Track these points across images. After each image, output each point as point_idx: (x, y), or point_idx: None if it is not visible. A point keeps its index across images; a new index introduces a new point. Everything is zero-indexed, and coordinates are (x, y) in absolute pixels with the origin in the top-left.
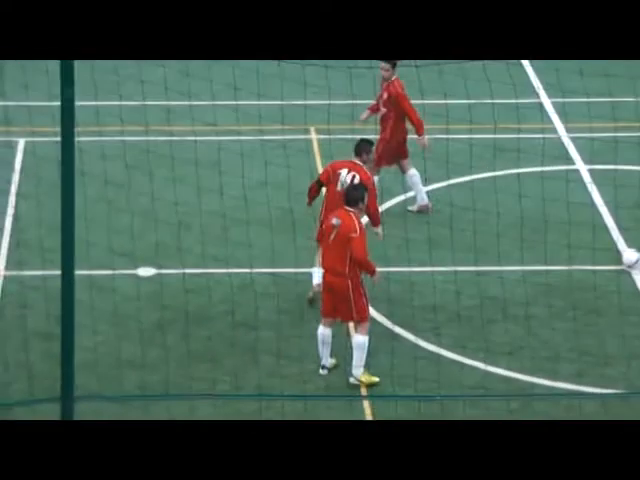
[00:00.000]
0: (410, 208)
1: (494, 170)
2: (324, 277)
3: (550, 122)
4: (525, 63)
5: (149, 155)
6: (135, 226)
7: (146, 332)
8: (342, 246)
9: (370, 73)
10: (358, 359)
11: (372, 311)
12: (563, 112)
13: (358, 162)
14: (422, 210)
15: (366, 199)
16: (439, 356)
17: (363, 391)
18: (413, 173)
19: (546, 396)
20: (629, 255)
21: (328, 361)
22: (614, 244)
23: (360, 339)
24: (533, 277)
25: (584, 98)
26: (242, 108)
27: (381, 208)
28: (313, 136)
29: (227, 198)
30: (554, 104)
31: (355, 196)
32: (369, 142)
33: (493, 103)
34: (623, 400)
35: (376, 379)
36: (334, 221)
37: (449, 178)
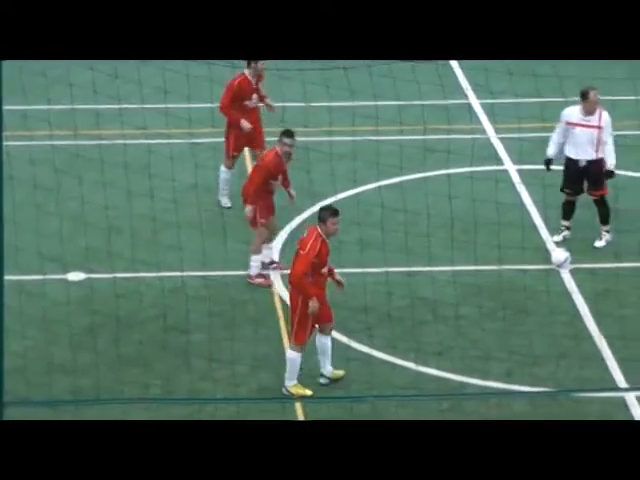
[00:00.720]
0: None
1: (424, 171)
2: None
3: (479, 123)
4: (454, 64)
5: (78, 159)
6: (64, 230)
7: (76, 337)
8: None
9: (299, 75)
10: (288, 372)
11: None
12: (492, 113)
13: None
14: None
15: (330, 221)
16: (371, 357)
17: None
18: None
19: (476, 395)
20: (558, 254)
21: (328, 370)
22: (543, 244)
23: (288, 355)
24: (463, 277)
25: (512, 99)
26: (172, 111)
27: (312, 210)
28: None
29: (157, 201)
30: (483, 105)
31: (321, 214)
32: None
33: (422, 104)
34: (552, 399)
35: (310, 392)
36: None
37: (379, 179)
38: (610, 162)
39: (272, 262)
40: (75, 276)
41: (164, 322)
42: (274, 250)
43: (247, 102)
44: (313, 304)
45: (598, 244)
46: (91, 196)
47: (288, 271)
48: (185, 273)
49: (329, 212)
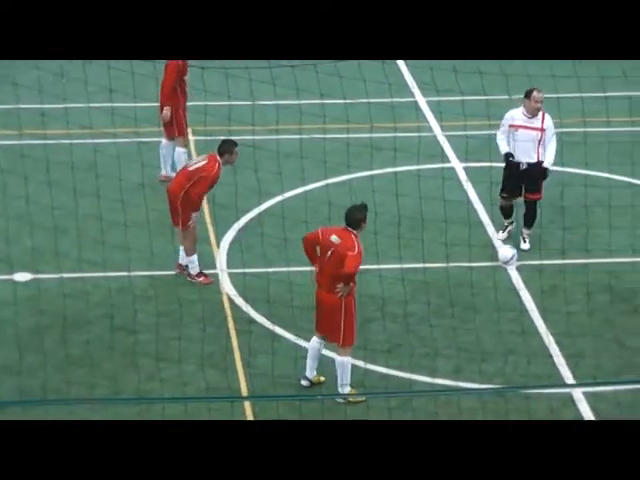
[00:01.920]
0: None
1: (371, 169)
2: (317, 293)
3: (425, 121)
4: (400, 62)
5: (24, 159)
6: (10, 231)
7: (23, 337)
8: (338, 264)
9: (246, 73)
10: (344, 377)
11: (252, 312)
12: (438, 111)
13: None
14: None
15: (366, 221)
16: (320, 355)
17: (244, 392)
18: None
19: (426, 393)
20: (505, 251)
21: (312, 374)
22: (490, 241)
23: (341, 359)
24: (411, 275)
25: (458, 97)
26: (117, 110)
27: (260, 208)
28: (190, 137)
29: (104, 201)
30: (429, 103)
31: (357, 217)
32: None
33: (369, 102)
34: (500, 395)
35: (363, 398)
36: (333, 239)
37: (327, 177)
38: (548, 160)
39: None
40: (21, 276)
41: (111, 322)
42: (221, 249)
43: (185, 78)
44: (349, 289)
45: (524, 246)
46: (37, 196)
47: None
48: (132, 273)
49: (363, 213)
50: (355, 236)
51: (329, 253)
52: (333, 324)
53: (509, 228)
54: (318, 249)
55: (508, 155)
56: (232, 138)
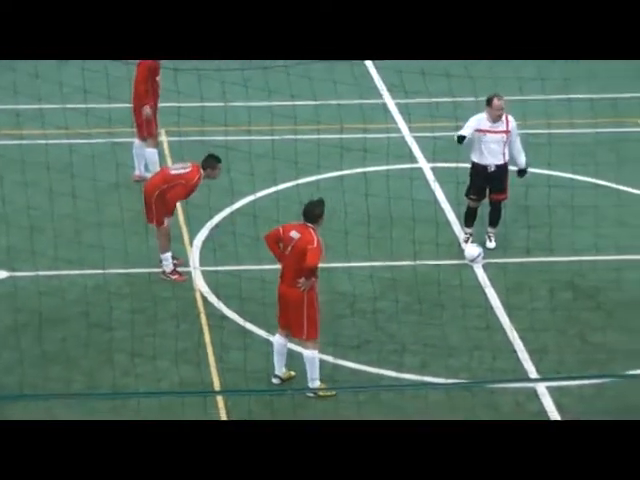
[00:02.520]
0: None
1: (341, 169)
2: (279, 288)
3: (394, 122)
4: (369, 64)
5: None
6: None
7: (0, 335)
8: (299, 258)
9: (218, 75)
10: (313, 372)
11: (224, 308)
12: (406, 112)
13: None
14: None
15: (324, 216)
16: (290, 351)
17: (217, 386)
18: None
19: (394, 387)
20: (471, 250)
21: (281, 371)
22: (456, 239)
23: (308, 354)
24: (380, 272)
25: (426, 99)
26: (92, 111)
27: (232, 208)
28: (164, 138)
29: (79, 201)
30: (397, 105)
31: (315, 212)
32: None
33: (339, 104)
34: (466, 389)
35: (331, 393)
36: (293, 234)
37: (297, 178)
38: (521, 161)
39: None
40: (1, 274)
41: (87, 319)
42: (194, 248)
43: (158, 78)
44: (311, 283)
45: (491, 244)
46: (13, 196)
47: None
48: (107, 271)
49: (320, 210)
50: (314, 230)
51: (290, 248)
52: (296, 318)
53: (471, 239)
54: (282, 245)
55: (474, 165)
56: (216, 154)
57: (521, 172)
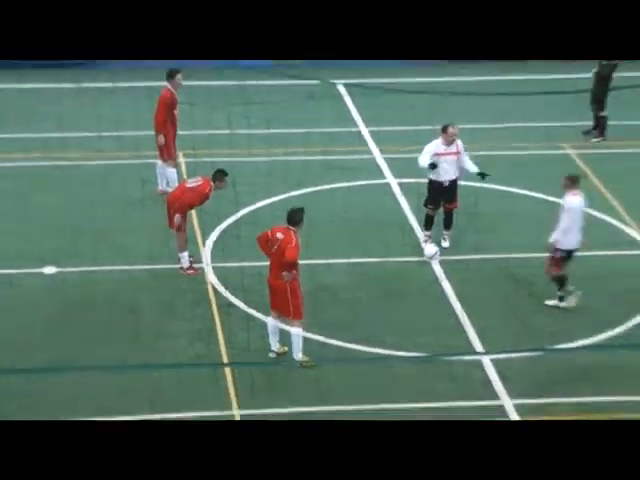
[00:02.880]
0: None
1: (324, 184)
2: (268, 279)
3: (367, 146)
4: (348, 101)
5: (49, 177)
6: (40, 234)
7: (50, 318)
8: (282, 255)
9: (225, 108)
10: (297, 346)
11: (231, 297)
12: (377, 138)
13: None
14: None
15: (303, 220)
16: (283, 332)
17: (225, 360)
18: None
19: (366, 360)
20: (429, 249)
21: (276, 346)
22: (418, 241)
23: (296, 330)
24: (356, 268)
25: (392, 127)
26: (123, 137)
27: (237, 216)
28: (181, 159)
29: (113, 210)
30: (371, 132)
31: (296, 218)
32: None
33: (323, 132)
34: (427, 362)
35: (313, 363)
36: (278, 235)
37: (289, 191)
38: (474, 170)
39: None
40: (49, 270)
41: (119, 306)
42: (206, 248)
43: (175, 111)
44: (292, 275)
45: (445, 244)
46: (59, 206)
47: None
48: (136, 267)
49: (300, 215)
50: (294, 232)
51: (276, 247)
52: (283, 303)
53: (429, 240)
54: (270, 244)
55: (431, 181)
56: (223, 169)
57: (480, 174)
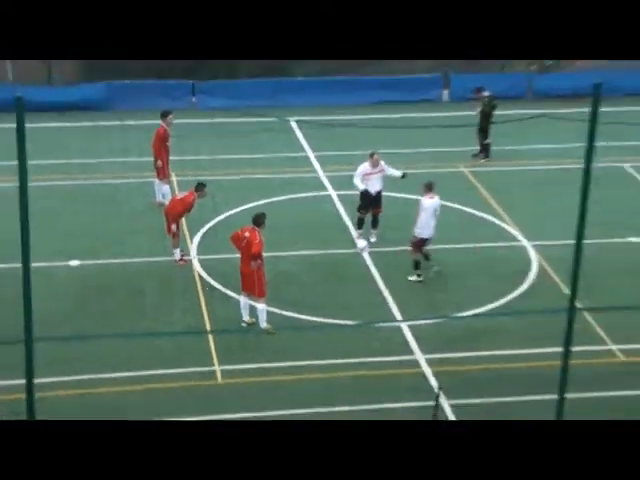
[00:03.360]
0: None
1: (280, 196)
2: (240, 267)
3: (313, 166)
4: (298, 133)
5: (71, 194)
6: (65, 237)
7: (76, 299)
8: (249, 249)
9: (207, 140)
10: (262, 318)
11: (212, 282)
12: (321, 161)
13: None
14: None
15: (265, 222)
16: (253, 308)
17: (209, 328)
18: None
19: (313, 327)
20: (360, 243)
21: (247, 318)
22: (352, 238)
23: (261, 305)
24: (306, 259)
25: (334, 152)
26: (128, 162)
27: (215, 220)
28: (174, 178)
29: (121, 218)
30: (316, 156)
31: (259, 220)
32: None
33: (278, 156)
34: (359, 329)
35: (274, 331)
36: (246, 234)
37: (255, 201)
38: (397, 174)
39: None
40: (74, 263)
41: (128, 290)
42: (193, 244)
43: (168, 143)
44: (257, 264)
45: (373, 239)
46: (78, 216)
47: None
48: (140, 259)
49: (262, 218)
50: (258, 231)
51: (244, 242)
52: (251, 285)
53: (360, 237)
54: (239, 241)
55: (364, 191)
56: (203, 181)
57: (403, 175)
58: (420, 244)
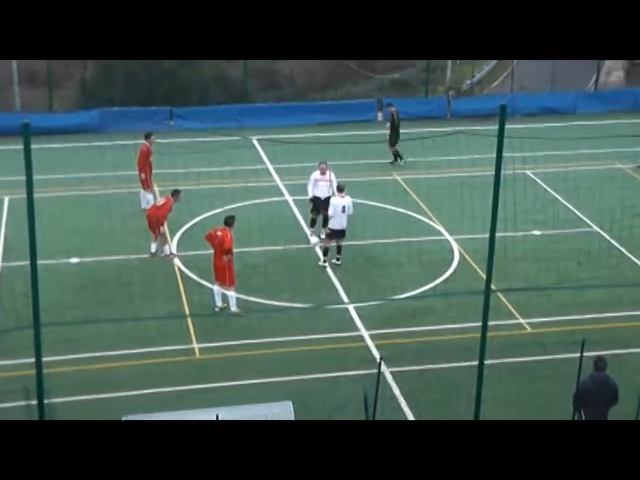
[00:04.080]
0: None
1: (244, 201)
2: (213, 261)
3: (272, 177)
4: (260, 150)
5: (68, 202)
6: (68, 238)
7: (77, 290)
8: (221, 246)
9: (182, 156)
10: (232, 303)
11: (189, 273)
12: (279, 171)
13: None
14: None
15: (233, 225)
16: (220, 293)
17: (187, 313)
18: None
19: (276, 312)
20: (313, 239)
21: (219, 304)
22: (306, 235)
23: (231, 293)
24: (269, 254)
25: (289, 164)
26: (119, 176)
27: (191, 222)
28: (156, 188)
29: (113, 221)
30: (275, 168)
31: (229, 221)
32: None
33: (243, 169)
34: (316, 310)
35: (243, 314)
36: (218, 233)
37: (223, 206)
38: (335, 190)
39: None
40: (74, 260)
41: (120, 281)
42: (174, 242)
43: (150, 159)
44: (228, 258)
45: (322, 236)
46: (77, 220)
47: (173, 253)
48: (130, 256)
49: (232, 220)
50: (229, 230)
51: (217, 240)
52: (223, 275)
53: (314, 235)
54: (212, 239)
55: (313, 197)
56: (178, 188)
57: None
58: (329, 235)
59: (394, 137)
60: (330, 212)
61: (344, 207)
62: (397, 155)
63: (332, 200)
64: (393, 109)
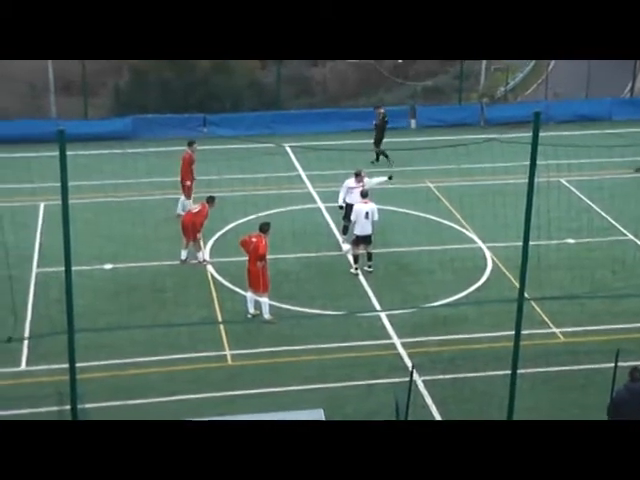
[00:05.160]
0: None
1: (278, 208)
2: (248, 267)
3: (305, 184)
4: (293, 158)
5: (108, 209)
6: (102, 245)
7: (110, 295)
8: (256, 251)
9: (216, 164)
10: (265, 310)
11: (222, 280)
12: (312, 179)
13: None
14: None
15: (269, 232)
16: (254, 300)
17: (220, 319)
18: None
19: (309, 316)
20: (345, 247)
21: (252, 311)
22: (338, 242)
23: (264, 299)
24: (302, 260)
25: (320, 172)
26: (155, 182)
27: (225, 229)
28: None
29: (147, 228)
30: (307, 176)
31: (264, 228)
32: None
33: (277, 175)
34: (349, 317)
35: (275, 321)
36: (253, 239)
37: (257, 213)
38: (383, 178)
39: (204, 260)
40: (108, 266)
41: (153, 287)
42: (207, 248)
43: (193, 167)
44: (264, 264)
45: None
46: (112, 227)
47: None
48: (163, 262)
49: (267, 226)
50: (264, 237)
51: (252, 246)
52: (256, 282)
53: (346, 242)
54: (247, 245)
55: (346, 204)
56: (213, 195)
57: (389, 177)
58: (355, 242)
59: (379, 137)
60: (352, 217)
61: (367, 213)
62: (382, 154)
63: (355, 206)
64: (381, 111)
